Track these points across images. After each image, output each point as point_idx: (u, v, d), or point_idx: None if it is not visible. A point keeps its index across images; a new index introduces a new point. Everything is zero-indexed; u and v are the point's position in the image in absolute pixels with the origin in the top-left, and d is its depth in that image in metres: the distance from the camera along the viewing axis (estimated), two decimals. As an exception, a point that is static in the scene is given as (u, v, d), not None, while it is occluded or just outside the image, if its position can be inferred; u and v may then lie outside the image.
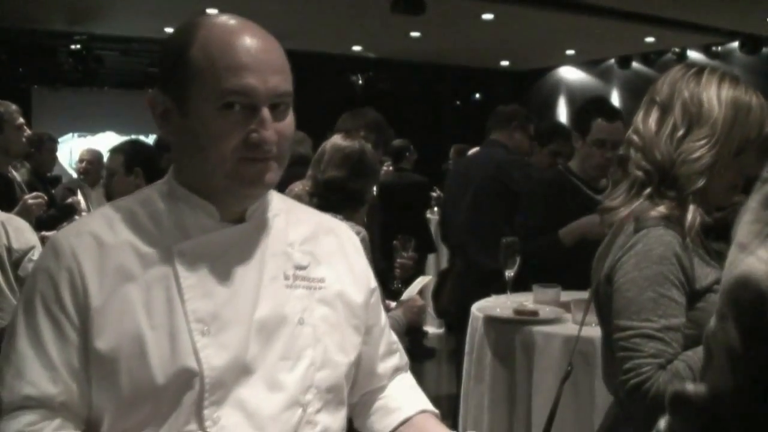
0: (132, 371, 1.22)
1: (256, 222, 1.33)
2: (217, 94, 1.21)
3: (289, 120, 1.28)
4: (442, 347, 6.20)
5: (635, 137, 1.69)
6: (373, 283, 1.48)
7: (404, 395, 1.50)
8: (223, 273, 1.28)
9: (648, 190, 1.64)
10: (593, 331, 2.07)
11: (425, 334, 5.83)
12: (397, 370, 1.53)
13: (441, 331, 6.09)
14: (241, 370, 1.26)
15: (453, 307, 4.15)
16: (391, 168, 6.10)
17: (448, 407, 4.02)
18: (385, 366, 1.50)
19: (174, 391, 1.22)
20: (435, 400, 3.35)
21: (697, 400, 0.91)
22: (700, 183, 1.60)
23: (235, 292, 1.28)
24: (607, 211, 1.72)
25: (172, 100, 1.25)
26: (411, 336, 3.51)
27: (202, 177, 1.27)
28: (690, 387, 0.94)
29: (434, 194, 7.24)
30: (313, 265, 1.37)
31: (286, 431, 1.28)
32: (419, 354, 5.25)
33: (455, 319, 4.06)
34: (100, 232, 1.28)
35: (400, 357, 1.54)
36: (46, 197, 3.79)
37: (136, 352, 1.22)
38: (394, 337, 1.55)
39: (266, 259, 1.32)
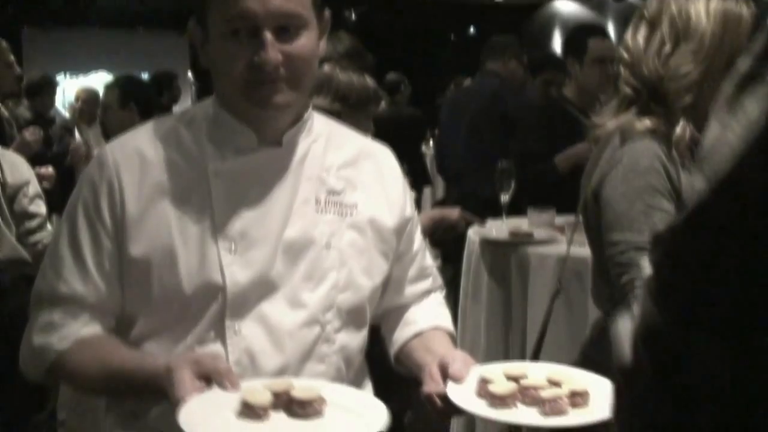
0: (162, 279, 1.31)
1: (292, 146, 1.37)
2: (223, 20, 1.27)
3: (303, 41, 1.30)
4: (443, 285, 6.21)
5: (624, 54, 1.68)
6: (409, 211, 1.51)
7: (424, 312, 1.54)
8: (255, 194, 1.34)
9: (636, 107, 1.64)
10: (585, 251, 2.12)
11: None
12: (427, 293, 1.56)
13: (437, 262, 6.15)
14: (265, 287, 1.33)
15: (448, 237, 4.21)
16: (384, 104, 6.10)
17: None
18: (413, 289, 1.53)
19: (199, 302, 1.31)
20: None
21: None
22: (688, 99, 1.60)
23: (266, 213, 1.34)
24: (595, 127, 1.73)
25: (201, 30, 1.33)
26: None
27: (228, 101, 1.35)
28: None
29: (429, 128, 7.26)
30: (347, 191, 1.41)
31: (304, 346, 1.35)
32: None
33: (451, 249, 4.13)
34: (143, 147, 1.36)
35: (432, 281, 1.57)
36: (42, 132, 3.82)
37: (166, 262, 1.30)
38: (429, 262, 1.58)
39: (300, 182, 1.37)
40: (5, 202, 2.90)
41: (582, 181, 1.75)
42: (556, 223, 2.85)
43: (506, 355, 2.72)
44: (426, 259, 1.57)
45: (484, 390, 1.26)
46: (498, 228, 2.90)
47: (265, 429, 1.17)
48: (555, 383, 1.27)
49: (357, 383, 1.44)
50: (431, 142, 7.07)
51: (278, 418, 1.19)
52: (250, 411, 1.17)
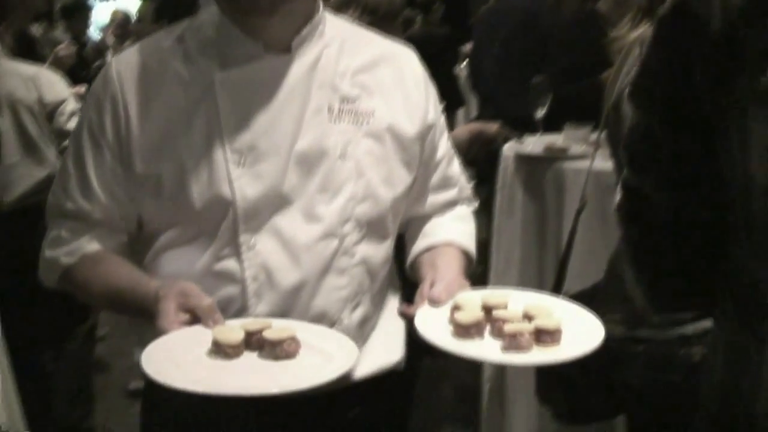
0: (171, 195, 1.29)
1: (301, 53, 1.32)
2: None
3: None
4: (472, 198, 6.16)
5: None
6: (432, 117, 1.44)
7: (442, 226, 1.49)
8: (263, 104, 1.29)
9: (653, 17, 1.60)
10: (610, 165, 2.11)
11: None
12: (451, 204, 1.52)
13: (470, 184, 6.15)
14: (278, 201, 1.29)
15: (483, 155, 4.20)
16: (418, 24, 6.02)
17: (478, 254, 4.10)
18: (435, 199, 1.49)
19: (210, 217, 1.29)
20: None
21: None
22: None
23: (275, 124, 1.29)
24: (614, 40, 1.70)
25: None
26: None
27: (223, 8, 1.32)
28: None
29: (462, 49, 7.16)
30: (363, 97, 1.35)
31: (321, 260, 1.31)
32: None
33: (485, 168, 4.12)
34: (148, 60, 1.33)
35: (458, 191, 1.52)
36: (76, 48, 3.85)
37: (175, 177, 1.28)
38: (455, 171, 1.52)
39: (311, 91, 1.31)
40: (45, 120, 2.93)
41: (604, 94, 1.74)
42: (591, 139, 2.83)
43: (540, 272, 2.74)
44: (452, 168, 1.51)
45: (452, 317, 1.23)
46: (533, 144, 2.89)
47: (229, 368, 1.14)
48: (528, 317, 1.22)
49: (382, 296, 1.42)
50: (464, 64, 6.98)
51: (248, 358, 1.17)
52: (219, 349, 1.16)
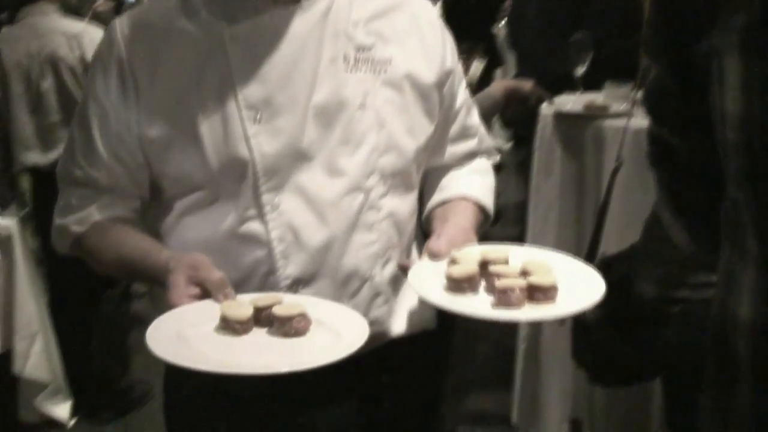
0: (187, 157, 1.26)
1: (311, 3, 1.28)
2: None
3: None
4: (510, 161, 6.20)
5: None
6: (450, 63, 1.40)
7: (458, 178, 1.47)
8: (276, 57, 1.25)
9: None
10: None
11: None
12: (471, 156, 1.49)
13: (508, 145, 6.09)
14: (298, 157, 1.26)
15: (521, 115, 4.14)
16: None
17: (515, 215, 4.10)
18: (454, 149, 1.47)
19: (229, 177, 1.26)
20: (503, 208, 3.38)
21: None
22: None
23: (290, 77, 1.25)
24: None
25: None
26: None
27: None
28: None
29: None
30: (379, 45, 1.32)
31: (348, 216, 1.28)
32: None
33: (523, 128, 4.06)
34: (153, 19, 1.30)
35: (478, 142, 1.50)
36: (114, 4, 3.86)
37: (189, 138, 1.25)
38: (474, 121, 1.50)
39: (324, 41, 1.28)
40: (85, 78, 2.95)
41: (641, 49, 1.70)
42: (632, 97, 2.76)
43: (578, 233, 2.70)
44: (471, 118, 1.49)
45: (447, 271, 1.20)
46: (572, 102, 2.83)
47: (237, 344, 1.12)
48: (525, 272, 1.19)
49: (411, 251, 1.40)
50: (503, 23, 6.87)
51: (257, 334, 1.14)
52: (228, 325, 1.13)
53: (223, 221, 1.27)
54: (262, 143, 1.25)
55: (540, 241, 2.78)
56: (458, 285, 1.18)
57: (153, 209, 1.37)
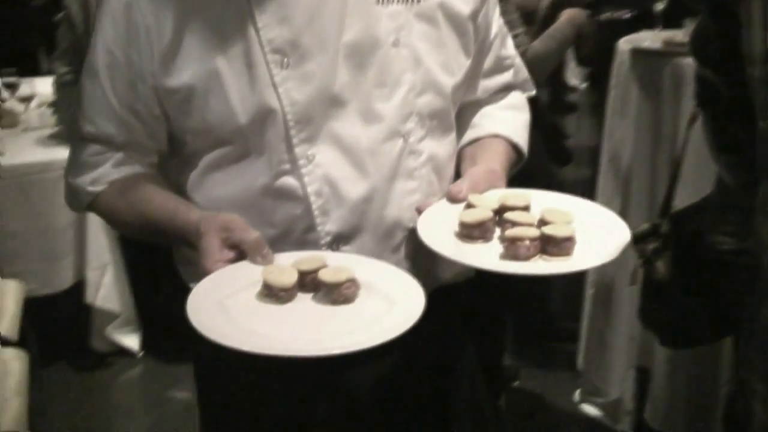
0: (211, 109, 1.17)
1: None
2: None
3: None
4: (584, 101, 6.04)
5: None
6: None
7: (491, 115, 1.39)
8: None
9: None
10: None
11: (567, 87, 5.68)
12: (505, 89, 1.41)
13: (584, 84, 5.91)
14: (331, 103, 1.18)
15: (597, 53, 4.00)
16: None
17: (588, 157, 3.99)
18: (488, 83, 1.39)
19: (258, 129, 1.17)
20: (576, 149, 3.28)
21: None
22: None
23: (317, 16, 1.16)
24: None
25: None
26: (552, 89, 3.42)
27: None
28: None
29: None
30: None
31: (388, 164, 1.21)
32: (560, 108, 5.13)
33: (600, 67, 3.92)
34: None
35: (514, 74, 1.42)
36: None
37: (213, 88, 1.16)
38: (510, 52, 1.42)
39: None
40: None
41: None
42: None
43: (652, 177, 2.60)
44: (506, 48, 1.40)
45: (460, 216, 1.12)
46: (651, 38, 2.70)
47: (282, 316, 1.04)
48: (543, 222, 1.10)
49: None
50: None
51: (302, 301, 1.07)
52: (271, 292, 1.06)
53: (255, 177, 1.19)
54: (291, 90, 1.16)
55: (610, 186, 2.70)
56: (469, 232, 1.10)
57: (175, 164, 1.29)
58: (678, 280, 1.48)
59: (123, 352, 3.30)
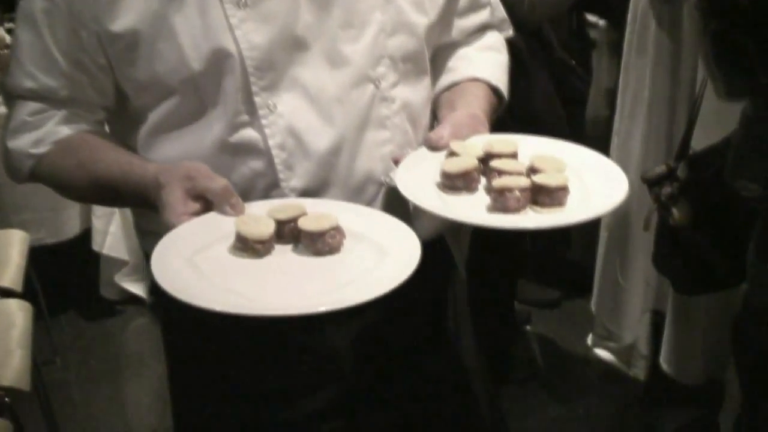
0: (161, 56, 1.07)
1: None
2: None
3: None
4: (603, 40, 5.91)
5: None
6: None
7: (468, 57, 1.30)
8: None
9: None
10: None
11: (585, 23, 5.55)
12: (481, 29, 1.33)
13: (603, 21, 5.77)
14: (293, 46, 1.08)
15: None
16: None
17: (606, 99, 3.90)
18: (463, 23, 1.30)
19: (213, 78, 1.08)
20: (593, 90, 3.15)
21: None
22: None
23: None
24: None
25: None
26: (569, 24, 3.31)
27: None
28: None
29: None
30: None
31: (357, 112, 1.13)
32: (578, 44, 4.99)
33: (619, 10, 3.80)
34: None
35: (489, 12, 1.33)
36: None
37: (161, 32, 1.06)
38: None
39: None
40: None
41: None
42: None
43: (670, 117, 2.52)
44: None
45: (442, 165, 1.03)
46: (671, -29, 2.58)
47: (261, 272, 0.94)
48: (533, 170, 1.01)
49: None
50: None
51: (282, 254, 0.98)
52: (246, 246, 0.96)
53: (210, 131, 1.10)
54: (249, 32, 1.06)
55: (629, 127, 2.61)
56: (452, 183, 1.02)
57: (122, 121, 1.18)
58: (696, 226, 1.43)
59: (133, 299, 3.29)
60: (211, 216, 1.01)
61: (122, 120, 1.18)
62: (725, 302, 2.32)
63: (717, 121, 2.05)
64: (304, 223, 0.98)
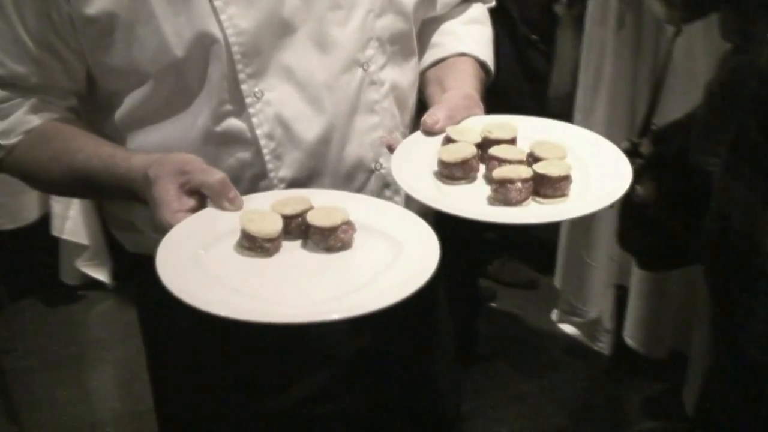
0: (140, 43, 1.01)
1: None
2: None
3: None
4: (567, 13, 5.89)
5: None
6: None
7: (453, 32, 1.26)
8: None
9: None
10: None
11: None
12: (465, 1, 1.29)
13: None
14: (280, 30, 1.04)
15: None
16: None
17: (569, 73, 3.90)
18: None
19: (197, 65, 1.02)
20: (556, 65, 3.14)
21: None
22: None
23: None
24: None
25: None
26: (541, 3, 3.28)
27: None
28: None
29: None
30: None
31: (346, 98, 1.09)
32: (543, 18, 4.94)
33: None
34: None
35: None
36: None
37: (140, 16, 1.00)
38: None
39: None
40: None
41: None
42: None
43: (633, 91, 2.52)
44: None
45: (439, 152, 0.99)
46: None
47: (274, 273, 0.89)
48: (534, 158, 0.97)
49: (410, 127, 1.20)
50: None
51: (291, 251, 0.92)
52: (252, 244, 0.90)
53: (194, 121, 1.04)
54: (235, 16, 1.01)
55: (591, 103, 2.61)
56: (451, 172, 0.98)
57: (95, 111, 1.12)
58: (660, 202, 1.43)
59: (94, 284, 3.24)
60: (209, 212, 0.95)
61: (94, 109, 1.12)
62: (689, 278, 2.34)
63: (681, 96, 2.06)
64: (313, 219, 0.93)
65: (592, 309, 2.79)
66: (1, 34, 1.04)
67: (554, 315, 2.94)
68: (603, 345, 2.79)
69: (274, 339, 1.09)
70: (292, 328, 0.84)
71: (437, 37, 1.25)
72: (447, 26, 1.26)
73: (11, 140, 1.08)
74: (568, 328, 2.91)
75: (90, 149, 1.05)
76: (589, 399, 2.74)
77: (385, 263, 0.89)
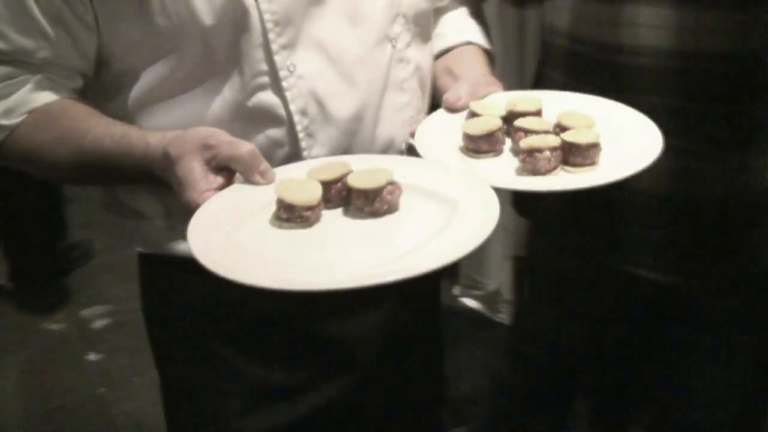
0: (165, 9, 0.94)
1: None
2: None
3: None
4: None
5: None
6: None
7: (458, 22, 1.26)
8: None
9: None
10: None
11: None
12: None
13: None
14: (311, 1, 1.00)
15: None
16: None
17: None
18: None
19: (228, 34, 0.96)
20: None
21: None
22: None
23: None
24: None
25: None
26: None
27: None
28: None
29: None
30: None
31: (379, 73, 1.05)
32: None
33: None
34: None
35: None
36: None
37: None
38: None
39: None
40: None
41: None
42: None
43: (520, 62, 2.55)
44: None
45: (464, 126, 0.99)
46: None
47: (310, 241, 0.82)
48: (561, 127, 0.97)
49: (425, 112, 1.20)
50: None
51: (332, 220, 0.85)
52: (291, 214, 0.83)
53: (221, 95, 0.98)
54: None
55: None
56: (476, 145, 0.96)
57: (103, 90, 1.03)
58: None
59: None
60: (238, 187, 0.88)
61: (94, 91, 1.04)
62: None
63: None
64: (355, 181, 0.86)
65: (492, 282, 2.86)
66: (7, 4, 0.95)
67: (455, 290, 2.99)
68: (504, 315, 2.85)
69: (292, 341, 1.08)
70: (345, 297, 0.76)
71: (440, 28, 1.24)
72: (448, 17, 1.25)
73: (14, 120, 0.99)
74: (469, 302, 2.97)
75: (101, 129, 0.97)
76: (494, 367, 2.80)
77: (440, 223, 0.82)
